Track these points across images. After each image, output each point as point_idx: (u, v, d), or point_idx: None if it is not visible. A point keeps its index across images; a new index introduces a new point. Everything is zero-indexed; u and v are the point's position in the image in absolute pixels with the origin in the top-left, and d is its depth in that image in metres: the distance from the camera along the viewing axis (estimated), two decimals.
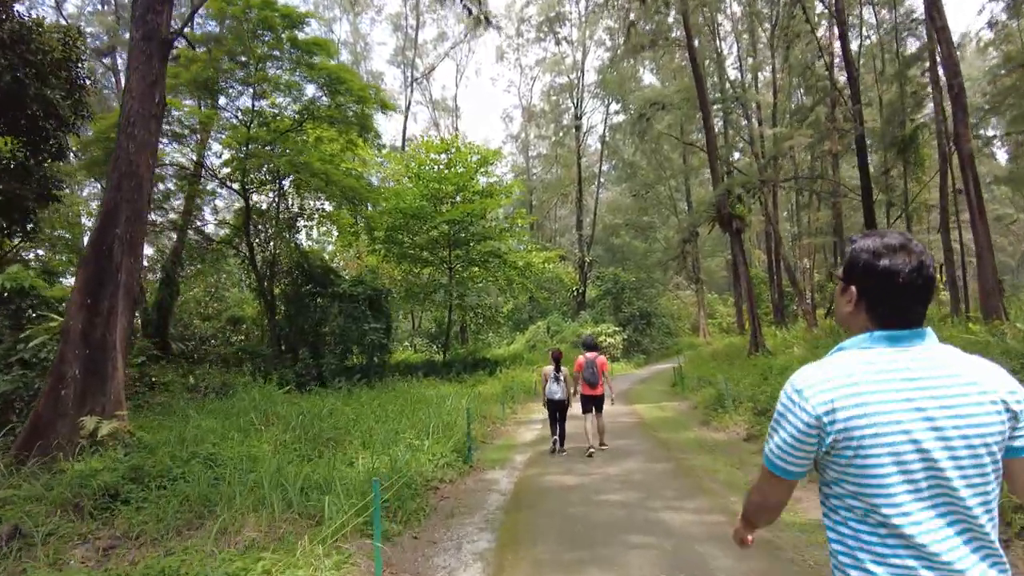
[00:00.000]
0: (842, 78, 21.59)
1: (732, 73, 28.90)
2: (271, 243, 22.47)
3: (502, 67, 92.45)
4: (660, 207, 48.49)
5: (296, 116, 20.55)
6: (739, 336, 32.88)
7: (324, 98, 20.68)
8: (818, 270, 30.05)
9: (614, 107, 40.97)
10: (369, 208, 22.93)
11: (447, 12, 49.11)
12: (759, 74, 30.92)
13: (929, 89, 16.60)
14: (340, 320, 17.89)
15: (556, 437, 8.77)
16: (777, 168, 19.36)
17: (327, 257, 35.83)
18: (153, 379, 13.40)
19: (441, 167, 23.94)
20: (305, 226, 25.22)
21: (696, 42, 22.62)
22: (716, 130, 29.86)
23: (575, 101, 39.66)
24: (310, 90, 20.33)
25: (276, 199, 23.12)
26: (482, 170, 24.56)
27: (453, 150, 24.26)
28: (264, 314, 20.89)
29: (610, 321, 35.36)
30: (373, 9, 49.44)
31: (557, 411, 8.88)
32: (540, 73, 44.93)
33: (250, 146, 18.57)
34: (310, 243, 38.29)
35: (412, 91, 45.38)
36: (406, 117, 44.12)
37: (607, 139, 43.47)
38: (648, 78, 41.87)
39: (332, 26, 48.66)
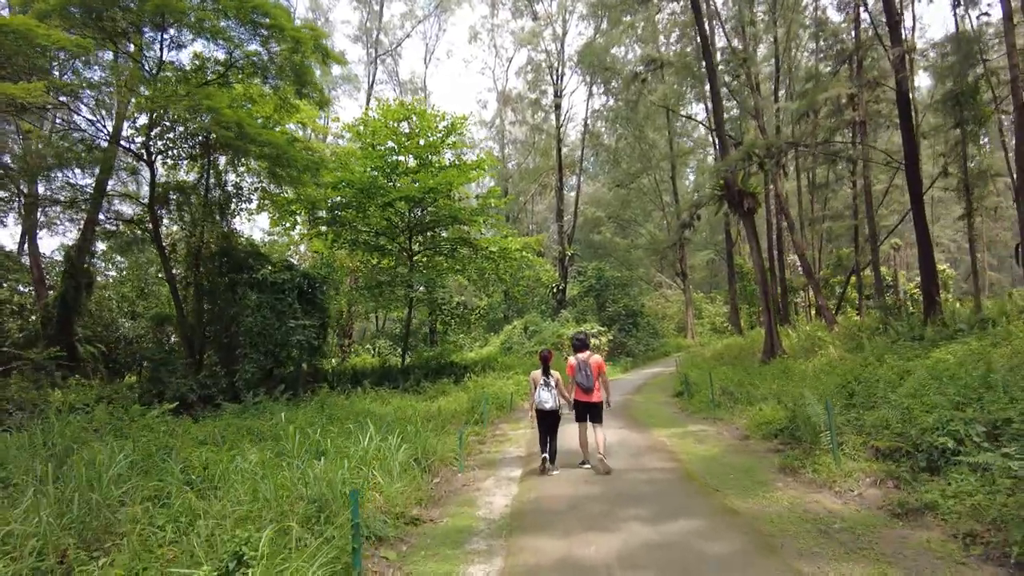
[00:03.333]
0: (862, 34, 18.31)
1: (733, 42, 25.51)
2: (198, 227, 18.45)
3: (476, 48, 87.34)
4: (644, 200, 45.30)
5: (220, 69, 16.73)
6: (736, 336, 29.77)
7: (254, 44, 16.79)
8: (825, 263, 26.84)
9: (597, 88, 37.41)
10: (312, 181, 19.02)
11: None
12: (759, 46, 27.63)
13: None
14: (260, 315, 13.91)
15: (546, 454, 7.39)
16: (791, 139, 15.96)
17: (281, 247, 31.84)
18: None
19: (401, 138, 20.02)
20: (243, 209, 21.17)
21: None
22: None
23: (555, 77, 36.02)
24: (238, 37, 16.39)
25: (206, 175, 19.12)
26: (449, 141, 20.72)
27: (416, 117, 20.35)
28: (181, 309, 16.88)
29: (593, 320, 31.87)
30: None
31: (549, 423, 7.57)
32: (516, 50, 41.14)
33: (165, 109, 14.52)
34: (267, 236, 34.35)
35: (376, 68, 41.36)
36: (368, 97, 40.10)
37: (588, 125, 39.92)
38: (635, 55, 38.39)
39: None
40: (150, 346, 18.13)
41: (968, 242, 14.83)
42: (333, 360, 25.30)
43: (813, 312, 28.46)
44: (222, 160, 19.09)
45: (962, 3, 14.36)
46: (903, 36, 14.90)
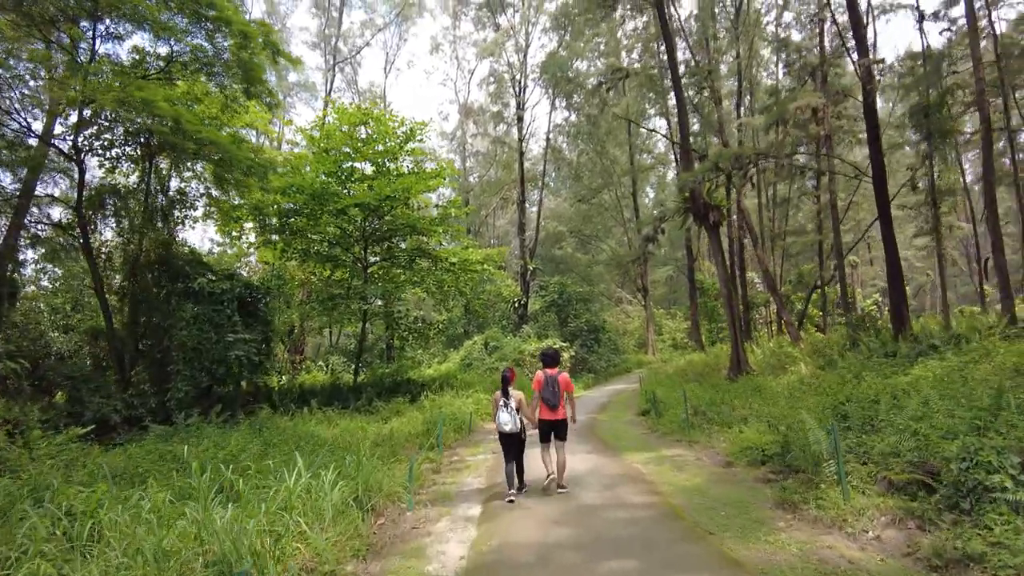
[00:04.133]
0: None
1: (694, 58, 25.43)
2: (136, 234, 17.06)
3: (437, 59, 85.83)
4: (605, 216, 45.19)
5: (161, 64, 15.56)
6: (698, 353, 29.51)
7: (199, 38, 15.68)
8: (786, 279, 26.82)
9: (560, 102, 37.04)
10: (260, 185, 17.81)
11: None
12: (721, 64, 27.71)
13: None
14: (195, 328, 12.64)
15: (513, 491, 6.91)
16: (760, 151, 15.64)
17: (231, 257, 30.20)
18: None
19: (357, 143, 18.97)
20: (187, 216, 19.79)
21: None
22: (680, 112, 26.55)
23: (518, 89, 35.50)
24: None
25: (147, 179, 17.76)
26: (408, 148, 19.77)
27: (373, 122, 19.33)
28: (110, 322, 15.39)
29: (555, 335, 31.14)
30: None
31: (510, 446, 7.13)
32: (479, 62, 40.58)
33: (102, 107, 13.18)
34: (216, 247, 32.45)
35: (334, 76, 40.16)
36: (326, 104, 38.77)
37: (551, 139, 39.56)
38: (598, 69, 38.25)
39: (244, 1, 42.99)
40: (76, 362, 16.50)
41: (936, 257, 14.72)
42: (283, 377, 23.85)
43: (774, 328, 28.43)
44: (166, 164, 17.84)
45: (927, 18, 14.32)
46: (869, 49, 14.79)
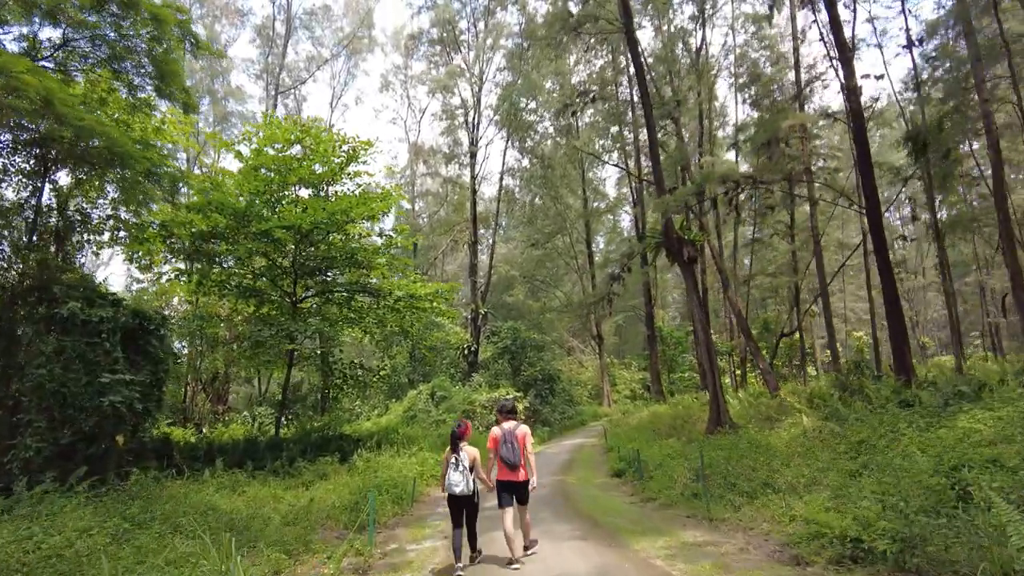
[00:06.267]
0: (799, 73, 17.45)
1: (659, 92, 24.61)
2: (20, 258, 14.09)
3: (387, 97, 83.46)
4: (558, 262, 43.88)
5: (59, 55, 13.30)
6: (660, 404, 27.71)
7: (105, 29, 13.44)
8: (753, 325, 25.52)
9: (513, 142, 35.80)
10: (166, 199, 15.19)
11: (324, 30, 42.99)
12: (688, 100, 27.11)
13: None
14: (57, 367, 9.77)
15: (455, 554, 5.90)
16: (742, 177, 14.26)
17: (151, 295, 26.80)
18: None
19: (292, 161, 16.59)
20: (90, 240, 16.87)
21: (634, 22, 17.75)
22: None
23: (471, 127, 34.04)
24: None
25: (38, 196, 14.95)
26: (351, 170, 17.56)
27: (311, 140, 17.07)
28: None
29: (507, 385, 28.79)
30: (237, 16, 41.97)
31: (461, 510, 6.17)
32: (430, 100, 39.27)
33: None
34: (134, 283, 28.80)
35: (276, 106, 37.87)
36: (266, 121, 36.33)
37: (504, 180, 38.17)
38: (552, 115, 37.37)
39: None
40: None
41: (944, 295, 13.49)
42: (198, 431, 20.51)
43: (739, 376, 27.00)
44: (68, 181, 15.14)
45: (916, 43, 13.46)
46: (855, 73, 13.77)
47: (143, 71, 14.06)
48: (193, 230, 15.24)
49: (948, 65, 12.79)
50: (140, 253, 16.72)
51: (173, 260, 17.44)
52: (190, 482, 11.06)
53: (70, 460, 10.05)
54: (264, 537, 6.67)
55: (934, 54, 13.24)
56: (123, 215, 16.25)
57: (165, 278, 19.02)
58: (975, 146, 16.81)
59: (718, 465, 9.21)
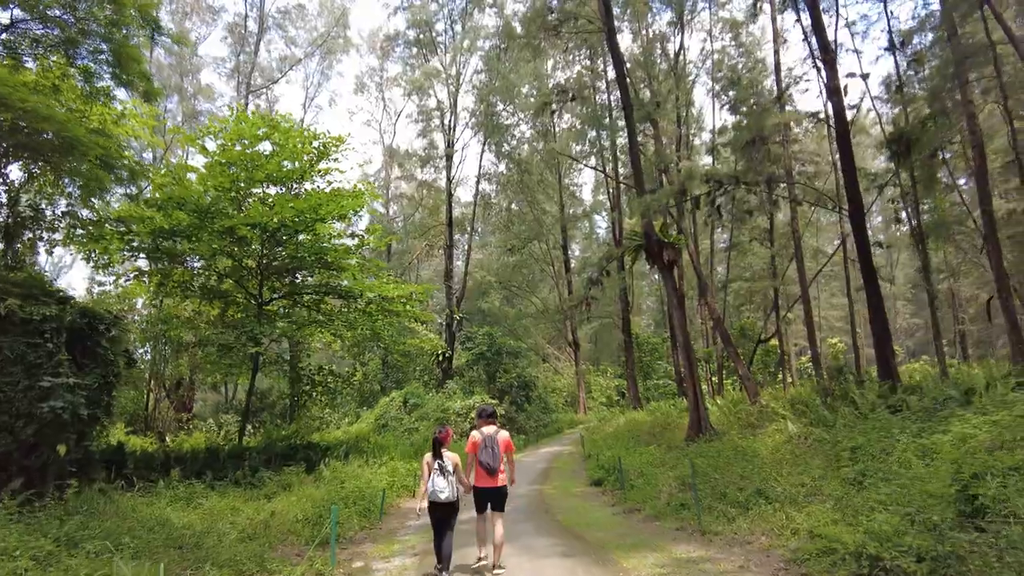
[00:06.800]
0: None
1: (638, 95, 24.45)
2: None
3: (362, 99, 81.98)
4: (534, 268, 43.51)
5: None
6: (636, 411, 27.42)
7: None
8: (728, 331, 25.36)
9: (490, 146, 35.38)
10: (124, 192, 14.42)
11: (298, 30, 42.13)
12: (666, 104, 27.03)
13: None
14: None
15: (437, 555, 5.87)
16: (727, 176, 14.00)
17: (113, 299, 25.54)
18: None
19: (259, 157, 15.82)
20: (43, 238, 16.01)
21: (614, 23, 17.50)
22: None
23: (447, 129, 33.51)
24: None
25: None
26: (321, 167, 16.91)
27: (279, 135, 16.32)
28: None
29: (482, 392, 28.16)
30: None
31: (446, 518, 5.90)
32: (406, 102, 38.68)
33: None
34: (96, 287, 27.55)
35: (247, 106, 36.85)
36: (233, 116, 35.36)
37: (481, 184, 37.70)
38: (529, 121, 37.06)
39: None
40: None
41: (929, 299, 13.36)
42: (163, 440, 19.57)
43: (715, 383, 26.83)
44: (20, 175, 14.33)
45: (899, 47, 13.37)
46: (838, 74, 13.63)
47: (100, 57, 13.29)
48: (153, 227, 14.40)
49: (933, 64, 12.71)
50: (97, 252, 15.78)
51: (133, 259, 16.58)
52: (142, 495, 10.30)
53: (3, 471, 9.21)
54: (215, 556, 6.02)
55: (914, 58, 13.17)
56: (81, 212, 15.41)
57: (124, 279, 18.08)
58: (947, 155, 16.96)
59: (705, 473, 8.79)
